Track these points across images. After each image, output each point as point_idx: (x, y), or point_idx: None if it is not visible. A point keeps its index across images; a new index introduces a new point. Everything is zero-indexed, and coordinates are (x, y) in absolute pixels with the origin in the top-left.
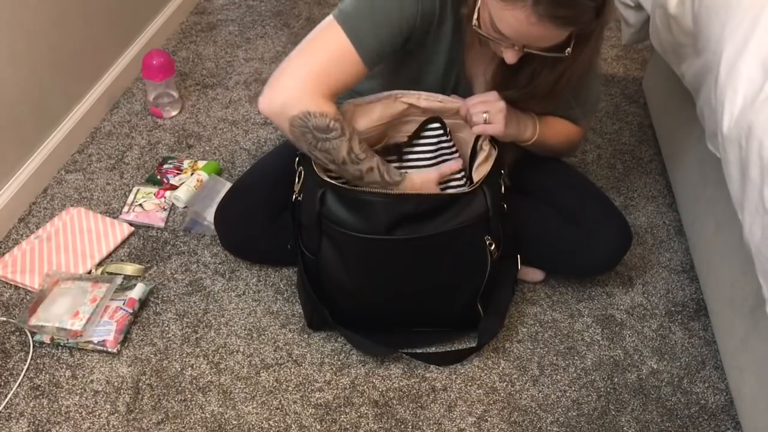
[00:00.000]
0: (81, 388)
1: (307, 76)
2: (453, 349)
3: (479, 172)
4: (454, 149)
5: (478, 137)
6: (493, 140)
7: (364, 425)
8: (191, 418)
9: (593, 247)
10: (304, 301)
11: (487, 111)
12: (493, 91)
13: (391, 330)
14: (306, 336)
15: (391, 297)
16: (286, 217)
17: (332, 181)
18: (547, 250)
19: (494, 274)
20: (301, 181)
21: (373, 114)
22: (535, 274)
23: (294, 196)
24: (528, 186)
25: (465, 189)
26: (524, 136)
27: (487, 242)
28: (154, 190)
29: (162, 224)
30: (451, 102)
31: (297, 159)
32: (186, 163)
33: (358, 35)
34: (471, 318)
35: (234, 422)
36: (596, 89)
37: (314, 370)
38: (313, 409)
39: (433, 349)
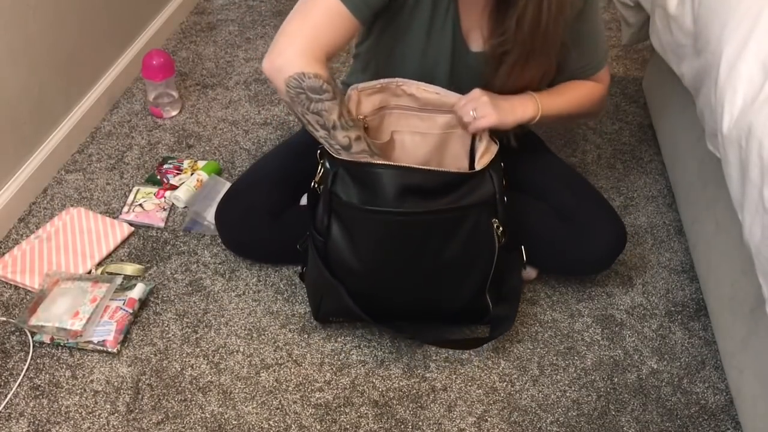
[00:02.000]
0: (81, 388)
1: (301, 39)
2: (465, 337)
3: (482, 163)
4: None
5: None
6: (492, 135)
7: (364, 425)
8: (191, 418)
9: (587, 245)
10: (312, 291)
11: (473, 108)
12: (475, 89)
13: (400, 321)
14: (306, 336)
15: (399, 281)
16: (288, 216)
17: (345, 159)
18: (541, 248)
19: (501, 264)
20: (321, 172)
21: (374, 101)
22: (528, 273)
23: (313, 184)
24: (523, 184)
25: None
26: (525, 115)
27: (495, 225)
28: (154, 190)
29: (162, 224)
30: (446, 96)
31: (319, 152)
32: (186, 163)
33: None
34: (480, 310)
35: (234, 422)
36: (600, 36)
37: (314, 370)
38: (313, 409)
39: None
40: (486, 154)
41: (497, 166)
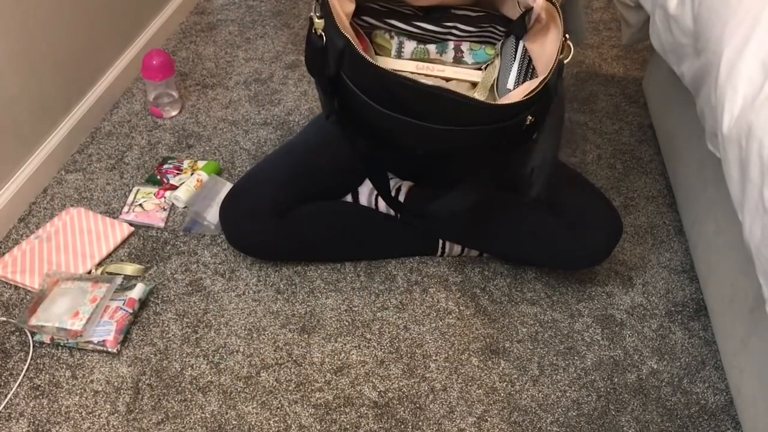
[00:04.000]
0: (81, 388)
1: None
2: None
3: (538, 48)
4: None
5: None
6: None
7: (364, 425)
8: (191, 418)
9: (582, 237)
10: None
11: None
12: None
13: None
14: (306, 336)
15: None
16: (293, 215)
17: (351, 40)
18: (536, 245)
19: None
20: (324, 23)
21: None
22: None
23: (313, 29)
24: (516, 180)
25: (528, 92)
26: None
27: (528, 120)
28: (154, 190)
29: (162, 224)
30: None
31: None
32: (186, 163)
33: None
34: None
35: (234, 422)
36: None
37: (314, 370)
38: (313, 409)
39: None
40: (543, 34)
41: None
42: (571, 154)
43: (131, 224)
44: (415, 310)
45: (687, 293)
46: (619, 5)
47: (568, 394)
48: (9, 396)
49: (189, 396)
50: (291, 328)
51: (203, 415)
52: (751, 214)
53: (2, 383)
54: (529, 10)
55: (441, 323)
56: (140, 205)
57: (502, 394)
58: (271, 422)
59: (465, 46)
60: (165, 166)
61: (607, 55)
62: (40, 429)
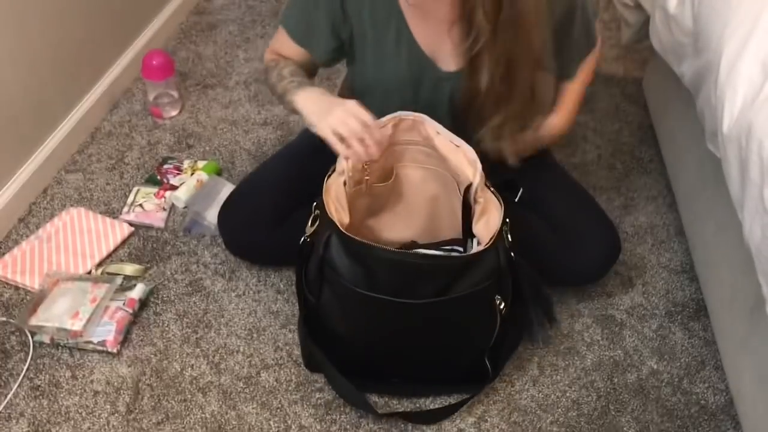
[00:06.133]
0: (81, 389)
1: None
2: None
3: (482, 227)
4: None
5: (467, 188)
6: (488, 187)
7: (364, 425)
8: (191, 419)
9: (579, 256)
10: (302, 340)
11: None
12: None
13: (390, 379)
14: None
15: (391, 351)
16: (293, 221)
17: (337, 224)
18: (532, 261)
19: (502, 333)
20: (315, 225)
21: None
22: None
23: (304, 238)
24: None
25: (478, 248)
26: (544, 142)
27: (497, 302)
28: (154, 190)
29: (162, 224)
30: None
31: (315, 203)
32: (186, 164)
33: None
34: (478, 372)
35: (234, 422)
36: (591, 25)
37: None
38: (313, 409)
39: (428, 401)
40: (483, 216)
41: (503, 233)
42: (571, 155)
43: (131, 224)
44: None
45: (687, 293)
46: (619, 5)
47: (568, 394)
48: (9, 396)
49: (189, 396)
50: (291, 328)
51: (203, 415)
52: (751, 214)
53: (2, 383)
54: (468, 187)
55: None
56: (140, 205)
57: (502, 394)
58: (271, 422)
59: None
60: (165, 167)
61: (607, 55)
62: (40, 429)
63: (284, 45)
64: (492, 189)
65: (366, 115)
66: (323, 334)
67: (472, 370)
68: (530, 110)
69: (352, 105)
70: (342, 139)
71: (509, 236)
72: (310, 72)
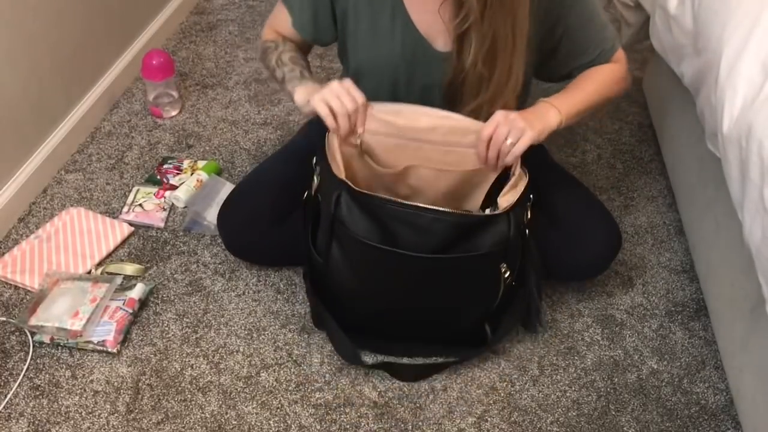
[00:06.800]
0: (81, 388)
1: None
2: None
3: (506, 200)
4: None
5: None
6: (523, 163)
7: (364, 425)
8: (191, 418)
9: (580, 250)
10: (312, 300)
11: (506, 132)
12: (497, 112)
13: (391, 337)
14: (306, 336)
15: (396, 306)
16: (292, 221)
17: (348, 182)
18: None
19: (505, 300)
20: (319, 181)
21: (384, 125)
22: None
23: (308, 193)
24: None
25: (490, 212)
26: (553, 122)
27: (503, 270)
28: (154, 190)
29: (162, 224)
30: (461, 122)
31: (315, 159)
32: (186, 163)
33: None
34: (477, 338)
35: (234, 422)
36: (599, 22)
37: (314, 370)
38: (313, 409)
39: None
40: (512, 190)
41: (523, 202)
42: (571, 154)
43: (131, 224)
44: None
45: (687, 293)
46: (619, 5)
47: (568, 394)
48: (9, 396)
49: (189, 396)
50: (291, 328)
51: (203, 415)
52: (751, 214)
53: (2, 383)
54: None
55: None
56: (140, 205)
57: (502, 394)
58: (271, 422)
59: None
60: (165, 166)
61: None
62: (40, 429)
63: (283, 24)
64: (523, 168)
65: (359, 94)
66: (331, 291)
67: (472, 335)
68: (502, 96)
69: (348, 82)
70: (332, 112)
71: (529, 213)
72: (305, 50)
